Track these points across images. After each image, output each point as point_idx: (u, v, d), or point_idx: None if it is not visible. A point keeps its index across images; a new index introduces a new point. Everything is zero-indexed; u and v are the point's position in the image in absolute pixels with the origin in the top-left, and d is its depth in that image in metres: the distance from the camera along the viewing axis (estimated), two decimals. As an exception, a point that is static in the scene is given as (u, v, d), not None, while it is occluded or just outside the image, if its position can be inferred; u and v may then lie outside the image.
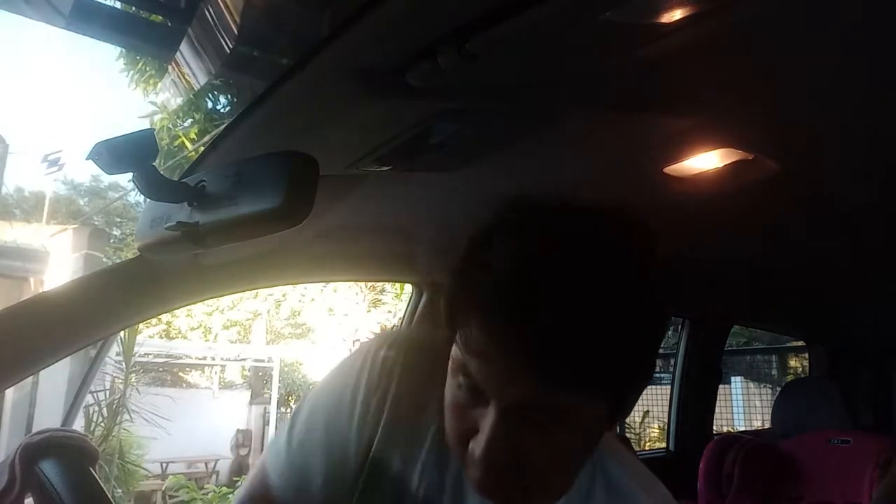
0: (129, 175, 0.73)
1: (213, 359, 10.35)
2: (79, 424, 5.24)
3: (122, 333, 4.63)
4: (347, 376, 0.74)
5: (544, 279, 0.55)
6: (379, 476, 0.70)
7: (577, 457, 0.64)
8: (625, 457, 0.74)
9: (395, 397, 0.71)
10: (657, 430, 7.70)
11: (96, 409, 5.93)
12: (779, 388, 3.34)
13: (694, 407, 2.62)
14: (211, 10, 0.92)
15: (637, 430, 7.70)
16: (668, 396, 2.70)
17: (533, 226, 0.64)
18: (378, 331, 6.78)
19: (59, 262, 6.31)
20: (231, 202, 0.74)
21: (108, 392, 6.18)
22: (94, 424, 5.86)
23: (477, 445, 0.58)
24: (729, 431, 4.37)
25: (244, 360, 10.51)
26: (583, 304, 0.54)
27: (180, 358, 9.77)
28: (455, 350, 0.60)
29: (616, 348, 0.55)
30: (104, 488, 0.91)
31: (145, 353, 7.55)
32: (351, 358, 0.77)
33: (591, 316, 0.54)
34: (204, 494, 6.80)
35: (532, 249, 0.59)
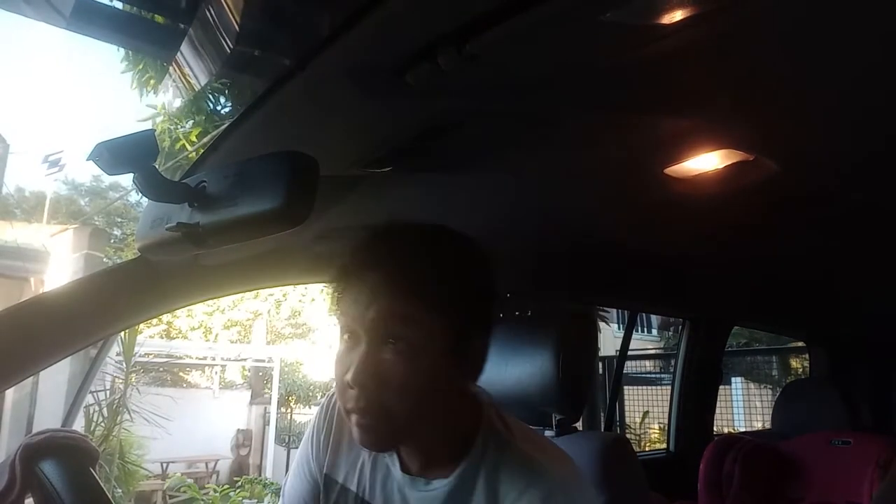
0: (130, 175, 0.73)
1: (214, 359, 10.35)
2: (79, 424, 5.23)
3: (122, 333, 4.62)
4: (312, 421, 1.00)
5: (374, 246, 0.83)
6: (330, 488, 0.94)
7: (427, 381, 0.79)
8: (535, 436, 0.90)
9: (337, 430, 0.95)
10: (657, 431, 7.70)
11: (96, 409, 5.92)
12: (779, 389, 3.34)
13: (694, 407, 2.62)
14: (211, 10, 0.92)
15: (637, 431, 7.70)
16: (668, 397, 2.70)
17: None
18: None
19: (59, 262, 6.31)
20: (231, 203, 0.74)
21: (108, 392, 6.18)
22: (94, 424, 5.86)
23: (350, 372, 0.77)
24: (729, 432, 4.37)
25: (244, 360, 10.50)
26: (401, 253, 0.81)
27: (181, 358, 9.77)
28: (340, 327, 0.82)
29: (429, 273, 0.80)
30: (104, 488, 0.91)
31: (145, 353, 7.54)
32: (321, 403, 1.01)
33: (394, 247, 0.82)
34: (204, 494, 6.80)
35: (366, 237, 0.85)
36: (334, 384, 0.83)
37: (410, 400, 0.78)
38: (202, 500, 6.66)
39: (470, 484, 0.82)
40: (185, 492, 6.86)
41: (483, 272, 0.85)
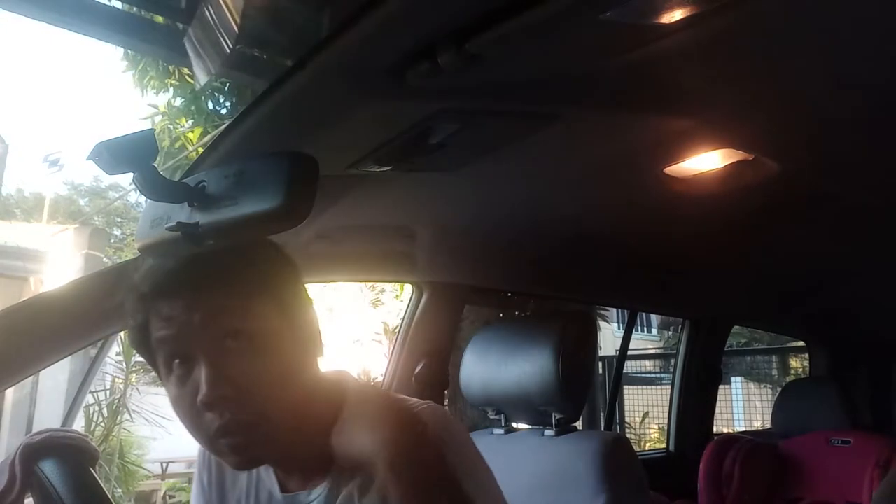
0: (130, 175, 0.73)
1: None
2: (79, 424, 5.23)
3: (122, 333, 4.62)
4: (196, 463, 0.96)
5: (168, 266, 0.77)
6: None
7: (281, 372, 0.76)
8: (372, 395, 0.86)
9: (217, 474, 0.92)
10: (657, 431, 7.70)
11: (96, 409, 5.92)
12: (779, 389, 3.34)
13: (694, 407, 2.61)
14: (211, 10, 0.92)
15: (637, 431, 7.69)
16: (668, 397, 2.70)
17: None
18: (381, 330, 6.77)
19: (59, 262, 6.31)
20: (231, 202, 0.74)
21: (108, 392, 6.17)
22: (94, 424, 5.86)
23: (200, 391, 0.71)
24: (729, 432, 4.37)
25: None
26: (197, 257, 0.76)
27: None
28: (161, 369, 0.76)
29: (232, 261, 0.76)
30: (104, 488, 0.91)
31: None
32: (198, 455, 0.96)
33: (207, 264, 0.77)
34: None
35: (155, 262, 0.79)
36: (185, 422, 0.77)
37: (272, 393, 0.74)
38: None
39: (344, 483, 0.78)
40: (183, 494, 6.85)
41: (274, 247, 0.82)
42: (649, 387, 8.38)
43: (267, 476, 0.85)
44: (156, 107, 5.17)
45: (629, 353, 3.05)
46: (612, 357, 5.61)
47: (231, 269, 0.75)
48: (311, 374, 0.80)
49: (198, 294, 0.74)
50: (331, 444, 0.76)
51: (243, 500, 0.88)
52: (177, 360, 0.74)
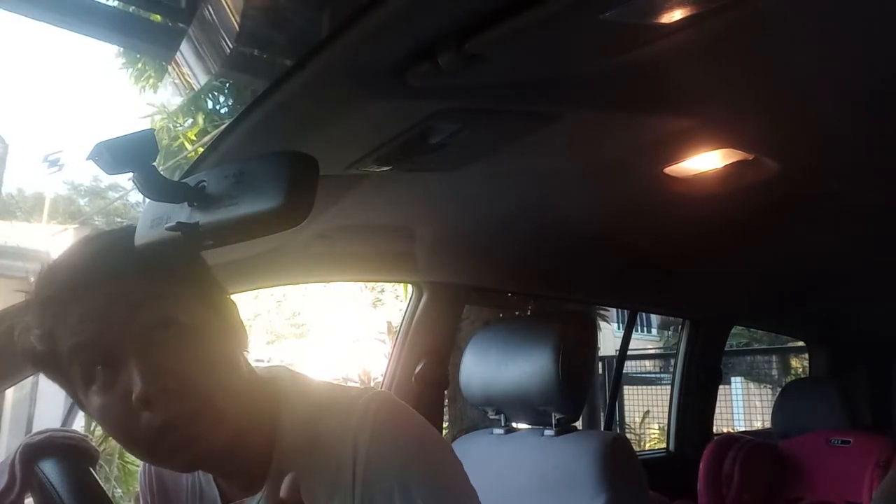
0: (130, 175, 0.73)
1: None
2: (79, 424, 5.22)
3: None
4: (138, 486, 0.91)
5: (65, 269, 0.72)
6: None
7: (210, 358, 0.72)
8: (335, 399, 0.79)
9: (160, 490, 0.87)
10: (657, 431, 7.70)
11: (96, 409, 5.92)
12: (779, 389, 3.34)
13: (694, 407, 2.62)
14: (211, 10, 0.92)
15: (637, 431, 7.70)
16: (668, 397, 2.70)
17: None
18: (383, 330, 6.77)
19: (59, 262, 6.30)
20: (231, 202, 0.74)
21: (108, 392, 6.17)
22: (94, 424, 5.85)
23: (135, 388, 0.65)
24: (729, 432, 4.37)
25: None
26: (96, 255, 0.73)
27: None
28: (78, 381, 0.70)
29: (100, 258, 0.73)
30: (104, 488, 0.91)
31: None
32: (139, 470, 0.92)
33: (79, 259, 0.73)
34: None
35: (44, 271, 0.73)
36: (118, 434, 0.71)
37: (212, 380, 0.70)
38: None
39: (276, 489, 0.72)
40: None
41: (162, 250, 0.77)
42: (649, 387, 8.38)
43: (209, 488, 0.81)
44: (154, 105, 5.18)
45: (629, 353, 3.05)
46: (612, 357, 5.60)
47: (146, 256, 0.72)
48: (244, 365, 0.76)
49: (115, 286, 0.69)
50: (272, 444, 0.74)
51: None
52: (98, 367, 0.68)
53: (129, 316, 0.68)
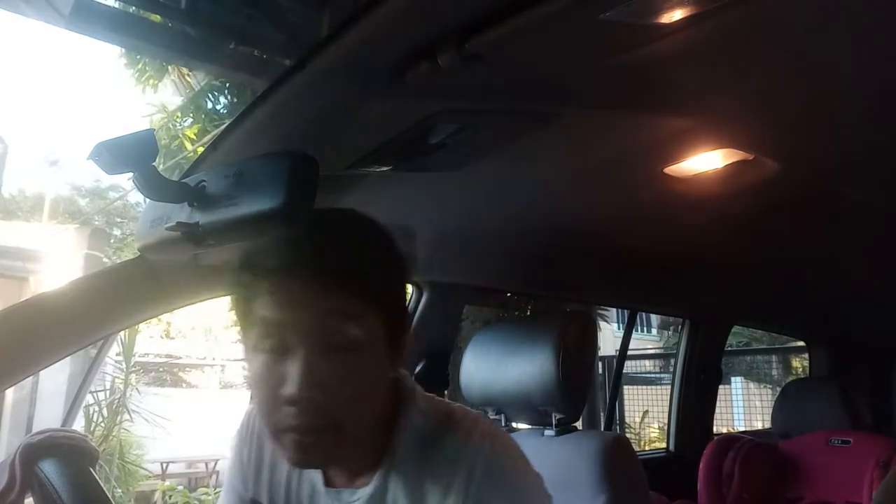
0: (130, 175, 0.73)
1: (214, 359, 10.34)
2: (79, 424, 5.23)
3: (122, 333, 4.62)
4: (235, 439, 0.93)
5: (297, 240, 0.72)
6: None
7: (372, 383, 0.74)
8: (457, 418, 0.82)
9: (257, 451, 0.89)
10: (657, 430, 7.70)
11: (96, 409, 5.92)
12: (779, 389, 3.34)
13: (694, 407, 2.61)
14: (211, 10, 0.92)
15: (637, 431, 7.70)
16: (668, 397, 2.70)
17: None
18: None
19: (59, 262, 6.30)
20: (231, 202, 0.74)
21: (108, 392, 6.17)
22: (94, 424, 5.85)
23: (288, 386, 0.68)
24: (729, 432, 4.37)
25: (244, 360, 10.48)
26: (332, 243, 0.72)
27: (180, 358, 9.75)
28: (252, 337, 0.72)
29: (343, 259, 0.71)
30: (104, 488, 0.91)
31: (145, 353, 7.54)
32: (240, 423, 0.94)
33: (326, 244, 0.72)
34: (198, 497, 6.78)
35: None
36: (258, 403, 0.74)
37: (361, 407, 0.72)
38: (198, 501, 6.65)
39: (385, 488, 0.78)
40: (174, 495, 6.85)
41: (401, 255, 0.78)
42: (649, 387, 8.38)
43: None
44: (154, 105, 5.18)
45: (629, 353, 3.05)
46: (612, 357, 5.61)
47: (365, 273, 0.71)
48: (388, 382, 0.78)
49: (321, 290, 0.69)
50: (387, 444, 0.77)
51: (282, 486, 0.86)
52: (269, 344, 0.70)
53: (316, 321, 0.69)
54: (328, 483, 0.82)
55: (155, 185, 0.75)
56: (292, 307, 0.69)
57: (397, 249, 0.77)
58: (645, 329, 13.02)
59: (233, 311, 0.76)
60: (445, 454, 0.76)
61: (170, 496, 7.07)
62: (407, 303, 0.77)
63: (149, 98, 5.23)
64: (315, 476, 0.83)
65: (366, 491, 0.78)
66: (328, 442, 0.71)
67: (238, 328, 0.76)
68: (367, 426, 0.75)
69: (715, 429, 2.79)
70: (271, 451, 0.88)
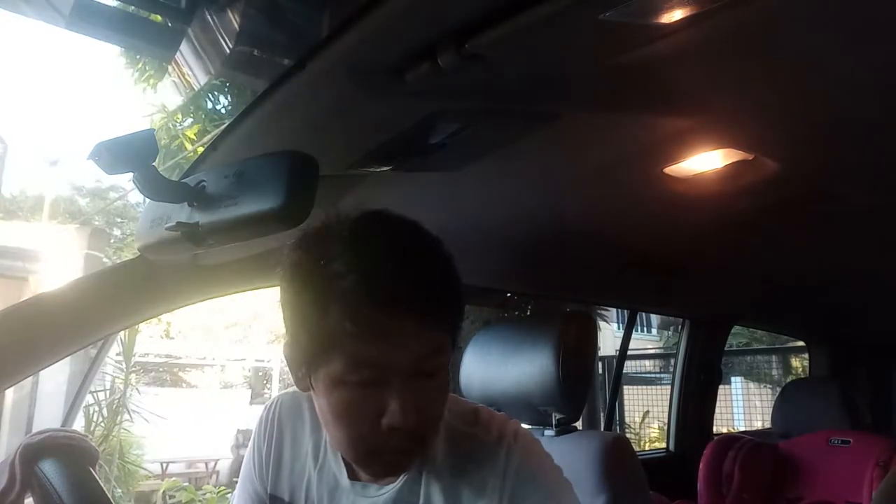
0: (130, 175, 0.73)
1: (214, 359, 10.35)
2: (79, 424, 5.23)
3: (122, 333, 4.62)
4: (254, 434, 0.93)
5: (383, 257, 0.71)
6: None
7: (445, 398, 0.78)
8: (479, 417, 0.84)
9: (278, 442, 0.90)
10: (657, 430, 7.70)
11: (96, 409, 5.92)
12: (779, 389, 3.34)
13: (694, 407, 2.61)
14: (211, 9, 0.92)
15: (637, 430, 7.70)
16: (668, 396, 2.70)
17: (354, 235, 0.73)
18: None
19: (59, 262, 6.30)
20: (231, 202, 0.74)
21: (108, 392, 6.17)
22: (94, 424, 5.86)
23: (392, 416, 0.69)
24: (729, 432, 4.37)
25: (244, 360, 10.50)
26: (413, 270, 0.71)
27: (180, 358, 9.76)
28: (336, 369, 0.70)
29: (440, 290, 0.72)
30: (104, 488, 0.91)
31: (145, 353, 7.54)
32: (258, 417, 0.94)
33: (422, 275, 0.71)
34: (202, 495, 6.79)
35: (361, 246, 0.71)
36: (348, 432, 0.73)
37: (440, 419, 0.77)
38: (200, 501, 6.66)
39: (418, 484, 0.79)
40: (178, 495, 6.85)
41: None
42: (649, 387, 8.38)
43: (335, 461, 0.85)
44: (154, 105, 5.18)
45: (629, 353, 3.05)
46: (612, 357, 5.61)
47: (454, 305, 0.73)
48: None
49: (426, 329, 0.70)
50: (429, 451, 0.79)
51: (304, 481, 0.87)
52: (363, 375, 0.69)
53: (418, 357, 0.70)
54: (352, 476, 0.83)
55: (155, 185, 0.75)
56: (400, 344, 0.69)
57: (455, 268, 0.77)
58: (645, 329, 13.02)
59: (295, 345, 0.75)
60: (477, 454, 0.79)
61: (171, 496, 7.08)
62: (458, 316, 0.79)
63: (149, 98, 5.23)
64: (338, 470, 0.84)
65: (394, 486, 0.79)
66: (417, 453, 0.76)
67: (304, 358, 0.74)
68: (438, 430, 0.78)
69: (715, 429, 2.79)
70: (291, 445, 0.89)
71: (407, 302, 0.68)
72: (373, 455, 0.75)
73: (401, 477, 0.80)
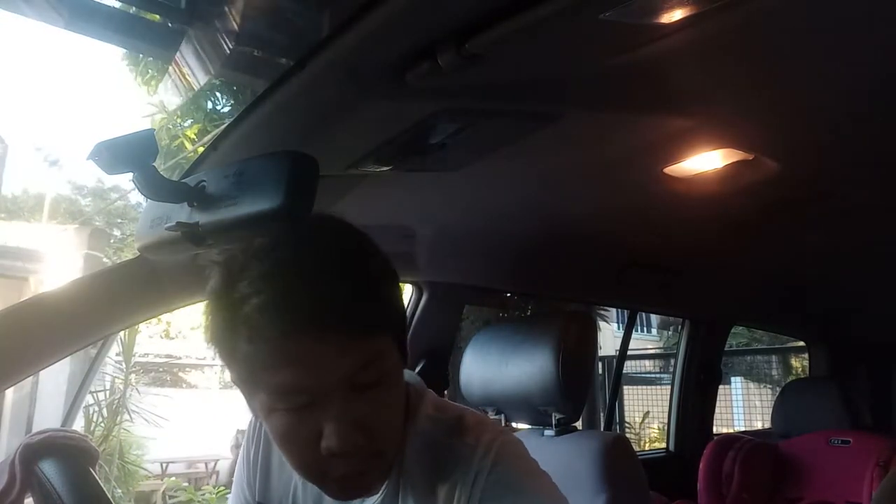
0: (130, 175, 0.73)
1: (214, 359, 10.32)
2: (79, 424, 5.23)
3: (122, 333, 4.62)
4: (243, 442, 0.92)
5: (287, 275, 0.63)
6: None
7: (399, 400, 0.73)
8: (463, 423, 0.79)
9: (265, 454, 0.87)
10: (657, 430, 7.70)
11: (96, 409, 5.92)
12: (779, 389, 3.34)
13: (694, 407, 2.62)
14: (211, 10, 0.92)
15: (637, 430, 7.70)
16: (668, 397, 2.70)
17: (264, 250, 0.66)
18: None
19: (59, 262, 6.30)
20: (231, 202, 0.74)
21: (108, 392, 6.17)
22: (94, 424, 5.86)
23: (328, 439, 0.64)
24: (729, 432, 4.37)
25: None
26: (322, 284, 0.63)
27: (180, 358, 9.75)
28: (263, 398, 0.66)
29: (355, 299, 0.64)
30: (104, 488, 0.91)
31: (145, 353, 7.53)
32: (247, 426, 0.92)
33: (331, 287, 0.63)
34: (202, 496, 6.79)
35: (267, 265, 0.64)
36: (291, 458, 0.69)
37: (395, 428, 0.72)
38: (199, 501, 6.66)
39: (400, 494, 0.76)
40: (180, 494, 6.85)
41: (384, 254, 0.71)
42: (649, 387, 8.39)
43: None
44: (155, 105, 5.18)
45: (629, 353, 3.05)
46: (612, 357, 5.61)
47: (358, 298, 0.65)
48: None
49: (350, 339, 0.63)
50: (403, 460, 0.75)
51: (291, 491, 0.85)
52: (292, 401, 0.65)
53: (349, 371, 0.64)
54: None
55: (155, 185, 0.75)
56: (317, 366, 0.63)
57: (379, 249, 0.70)
58: (645, 329, 13.01)
59: (230, 374, 0.69)
60: (451, 462, 0.74)
61: (171, 496, 7.08)
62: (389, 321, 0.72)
63: (149, 98, 5.23)
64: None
65: (374, 499, 0.76)
66: (373, 471, 0.71)
67: (239, 387, 0.70)
68: (398, 441, 0.74)
69: (715, 429, 2.79)
70: (279, 454, 0.85)
71: (317, 321, 0.62)
72: (326, 480, 0.70)
73: (381, 490, 0.76)
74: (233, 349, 0.65)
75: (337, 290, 0.63)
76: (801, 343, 3.70)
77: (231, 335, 0.64)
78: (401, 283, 0.75)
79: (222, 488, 7.10)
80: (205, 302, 0.69)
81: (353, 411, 0.64)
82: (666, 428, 2.81)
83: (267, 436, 0.87)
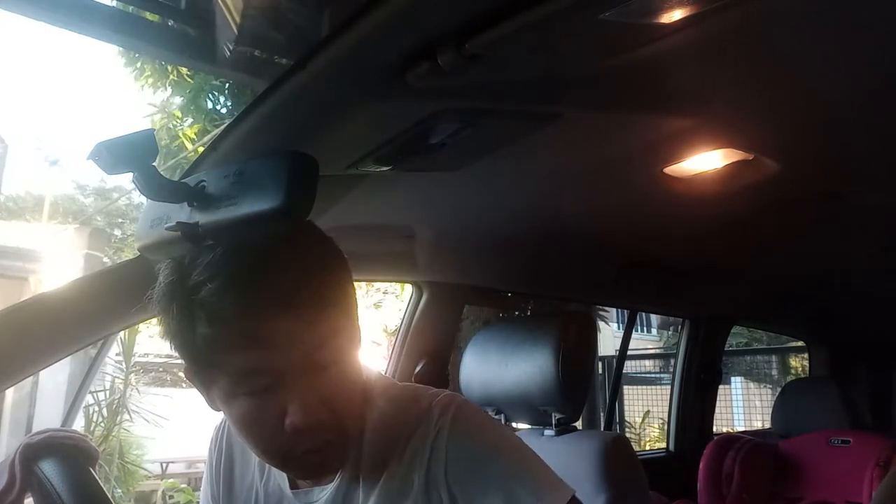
0: (130, 175, 0.73)
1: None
2: (79, 424, 5.23)
3: (122, 333, 4.62)
4: (207, 457, 0.93)
5: (237, 260, 0.67)
6: None
7: (357, 385, 0.75)
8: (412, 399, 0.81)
9: (227, 460, 0.89)
10: (657, 430, 7.71)
11: (96, 409, 5.92)
12: (779, 389, 3.34)
13: (694, 407, 2.62)
14: (211, 10, 0.92)
15: (637, 430, 7.70)
16: (668, 396, 2.70)
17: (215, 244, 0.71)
18: (381, 332, 6.77)
19: (59, 262, 6.30)
20: (231, 202, 0.74)
21: (108, 392, 6.17)
22: (94, 424, 5.86)
23: (293, 415, 0.66)
24: (729, 432, 4.38)
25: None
26: (276, 265, 0.67)
27: (181, 358, 9.72)
28: (224, 384, 0.68)
29: (307, 280, 0.68)
30: (104, 488, 0.91)
31: (145, 353, 7.53)
32: (210, 438, 0.94)
33: (284, 268, 0.67)
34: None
35: (217, 253, 0.68)
36: (254, 442, 0.71)
37: (352, 407, 0.73)
38: (198, 502, 6.66)
39: (357, 478, 0.77)
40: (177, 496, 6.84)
41: (330, 239, 0.75)
42: (649, 387, 8.39)
43: (278, 472, 0.84)
44: (154, 105, 5.17)
45: (629, 353, 3.05)
46: (612, 357, 5.61)
47: (308, 275, 0.68)
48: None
49: (306, 317, 0.66)
50: (362, 442, 0.76)
51: (252, 496, 0.86)
52: (252, 382, 0.67)
53: (306, 352, 0.66)
54: (293, 486, 0.82)
55: (155, 185, 0.75)
56: (276, 345, 0.65)
57: (322, 232, 0.74)
58: (645, 329, 13.02)
59: (187, 368, 0.72)
60: (413, 423, 0.76)
61: (171, 496, 7.08)
62: (354, 290, 0.76)
63: (149, 98, 5.23)
64: (282, 480, 0.83)
65: (332, 485, 0.78)
66: (337, 450, 0.73)
67: (197, 380, 0.72)
68: (359, 423, 0.76)
69: (715, 429, 2.79)
70: (241, 460, 0.88)
71: (272, 299, 0.65)
72: (292, 461, 0.72)
73: (338, 474, 0.77)
74: (192, 336, 0.66)
75: (286, 269, 0.66)
76: (801, 343, 3.70)
77: (189, 322, 0.66)
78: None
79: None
80: (156, 298, 0.72)
81: (315, 388, 0.67)
82: (666, 428, 2.81)
83: (229, 447, 0.89)
